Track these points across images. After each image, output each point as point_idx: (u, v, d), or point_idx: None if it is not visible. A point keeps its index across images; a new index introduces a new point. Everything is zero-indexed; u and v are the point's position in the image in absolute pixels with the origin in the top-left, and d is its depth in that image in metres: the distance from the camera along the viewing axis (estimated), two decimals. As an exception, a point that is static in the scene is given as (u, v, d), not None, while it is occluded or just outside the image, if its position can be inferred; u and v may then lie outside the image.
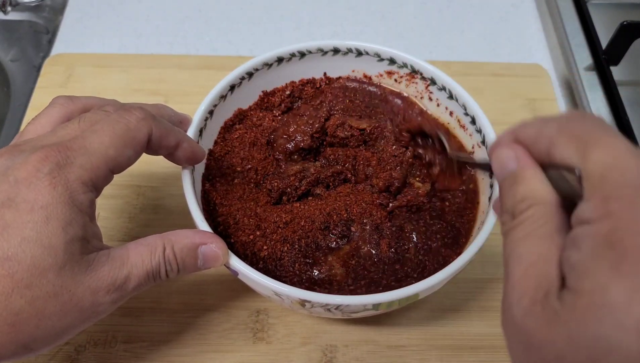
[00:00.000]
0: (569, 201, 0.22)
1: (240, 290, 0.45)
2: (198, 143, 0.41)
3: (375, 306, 0.34)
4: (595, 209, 0.20)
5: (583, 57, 0.61)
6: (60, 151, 0.29)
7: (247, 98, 0.47)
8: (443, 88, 0.45)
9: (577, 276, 0.19)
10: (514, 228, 0.22)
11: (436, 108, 0.47)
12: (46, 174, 0.28)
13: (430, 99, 0.47)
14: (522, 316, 0.21)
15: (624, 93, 0.56)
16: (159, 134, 0.34)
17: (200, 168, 0.42)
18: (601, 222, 0.19)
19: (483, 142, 0.42)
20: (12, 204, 0.28)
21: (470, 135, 0.44)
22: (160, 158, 0.37)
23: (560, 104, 0.60)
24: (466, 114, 0.44)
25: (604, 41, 0.60)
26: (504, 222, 0.24)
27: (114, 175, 0.32)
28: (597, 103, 0.57)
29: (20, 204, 0.28)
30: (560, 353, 0.19)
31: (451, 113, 0.46)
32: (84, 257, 0.29)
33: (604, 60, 0.59)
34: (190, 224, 0.37)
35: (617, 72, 0.58)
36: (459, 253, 0.38)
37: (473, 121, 0.43)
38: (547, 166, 0.23)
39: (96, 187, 0.31)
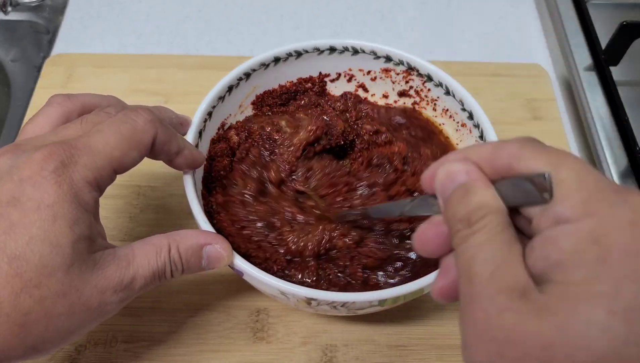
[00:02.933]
0: (512, 211, 0.24)
1: (241, 289, 0.45)
2: (198, 144, 0.41)
3: (382, 302, 0.34)
4: (574, 209, 0.21)
5: (583, 57, 0.61)
6: (65, 150, 0.29)
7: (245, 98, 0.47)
8: (440, 84, 0.45)
9: (564, 271, 0.21)
10: (474, 233, 0.23)
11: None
12: (51, 172, 0.28)
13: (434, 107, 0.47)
14: (500, 313, 0.21)
15: (623, 93, 0.56)
16: (163, 139, 0.33)
17: (200, 168, 0.42)
18: (583, 221, 0.21)
19: (481, 137, 0.42)
20: (18, 203, 0.28)
21: (469, 131, 0.44)
22: (160, 158, 0.37)
23: (559, 104, 0.60)
24: (463, 109, 0.44)
25: (604, 41, 0.60)
26: (458, 229, 0.24)
27: (117, 175, 0.32)
28: (597, 103, 0.57)
29: (26, 203, 0.28)
30: (548, 342, 0.20)
31: (451, 116, 0.46)
32: (90, 256, 0.29)
33: (603, 60, 0.59)
34: (192, 224, 0.37)
35: (617, 72, 0.58)
36: None
37: (470, 116, 0.43)
38: (496, 179, 0.25)
39: (100, 187, 0.31)
